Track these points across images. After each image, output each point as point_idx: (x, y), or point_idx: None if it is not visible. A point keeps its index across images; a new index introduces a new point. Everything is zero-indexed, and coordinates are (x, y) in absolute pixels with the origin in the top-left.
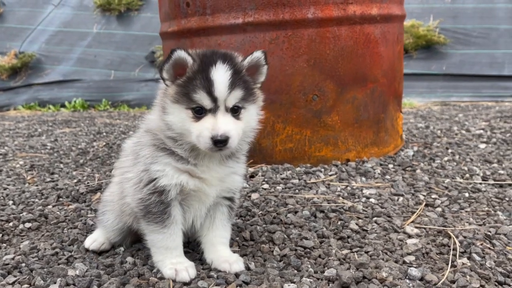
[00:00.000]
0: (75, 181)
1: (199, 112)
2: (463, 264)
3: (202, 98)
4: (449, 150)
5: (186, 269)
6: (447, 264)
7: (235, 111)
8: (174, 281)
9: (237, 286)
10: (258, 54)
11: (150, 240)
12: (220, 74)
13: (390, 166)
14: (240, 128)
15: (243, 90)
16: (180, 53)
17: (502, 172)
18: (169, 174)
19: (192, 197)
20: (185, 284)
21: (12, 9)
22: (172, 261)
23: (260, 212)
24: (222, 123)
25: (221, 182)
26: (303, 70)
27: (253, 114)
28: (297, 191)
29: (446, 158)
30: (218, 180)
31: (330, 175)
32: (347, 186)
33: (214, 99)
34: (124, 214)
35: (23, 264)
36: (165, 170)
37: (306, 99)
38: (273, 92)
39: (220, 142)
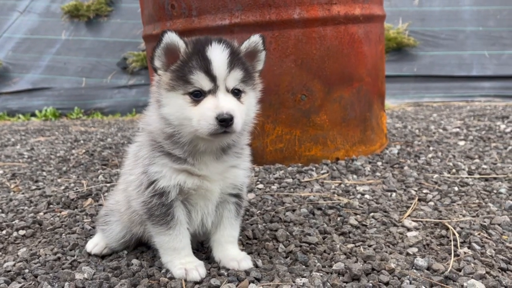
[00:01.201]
0: (62, 188)
1: (197, 96)
2: (465, 253)
3: (200, 79)
4: (431, 148)
5: (196, 268)
6: (450, 254)
7: (236, 94)
8: (185, 280)
9: (249, 283)
10: (255, 38)
11: (157, 242)
12: (217, 53)
13: (379, 163)
14: (244, 112)
15: (243, 71)
16: (172, 36)
17: (485, 166)
18: (167, 176)
19: (195, 195)
20: (196, 283)
21: None
22: (181, 261)
23: (259, 211)
24: (225, 101)
25: (223, 177)
26: (291, 70)
27: (252, 102)
28: (292, 190)
29: (430, 155)
30: (219, 175)
31: (323, 174)
32: (340, 183)
33: (213, 79)
34: (134, 224)
35: (26, 270)
36: (162, 171)
37: (295, 99)
38: (262, 92)
39: (225, 121)
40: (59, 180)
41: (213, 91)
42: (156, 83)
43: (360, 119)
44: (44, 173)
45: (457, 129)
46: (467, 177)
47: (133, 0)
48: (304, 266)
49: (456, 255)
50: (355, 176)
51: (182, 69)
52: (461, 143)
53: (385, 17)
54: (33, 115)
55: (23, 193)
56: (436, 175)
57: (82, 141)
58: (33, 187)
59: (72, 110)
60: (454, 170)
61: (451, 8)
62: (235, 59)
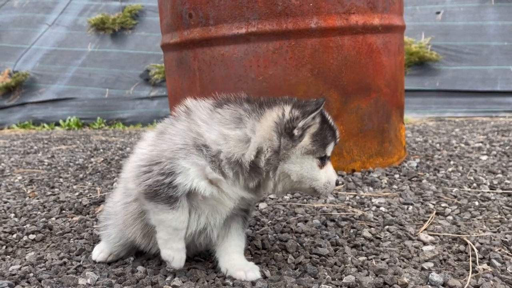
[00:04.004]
0: (76, 194)
1: (323, 160)
2: (484, 269)
3: (331, 147)
4: (451, 162)
5: (180, 261)
6: (467, 270)
7: None
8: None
9: None
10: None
11: (158, 219)
12: (333, 121)
13: (396, 176)
14: None
15: None
16: (322, 107)
17: (508, 181)
18: (190, 175)
19: (203, 203)
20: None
21: (6, 28)
22: (173, 245)
23: (270, 221)
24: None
25: (241, 199)
26: (307, 79)
27: None
28: (305, 200)
29: (450, 169)
30: (238, 197)
31: (337, 185)
32: (355, 195)
33: (335, 146)
34: (126, 226)
35: (31, 274)
36: (189, 169)
37: None
38: None
39: (338, 184)
40: (74, 187)
41: (329, 156)
42: (287, 142)
43: (377, 130)
44: (61, 180)
45: (480, 144)
46: (488, 192)
47: (157, 14)
48: (313, 278)
49: (475, 271)
50: (371, 188)
51: (321, 136)
52: (484, 157)
53: (405, 28)
54: (57, 124)
55: (38, 199)
56: (455, 189)
57: (101, 150)
58: (49, 193)
59: (94, 120)
60: (475, 185)
61: (475, 23)
62: None
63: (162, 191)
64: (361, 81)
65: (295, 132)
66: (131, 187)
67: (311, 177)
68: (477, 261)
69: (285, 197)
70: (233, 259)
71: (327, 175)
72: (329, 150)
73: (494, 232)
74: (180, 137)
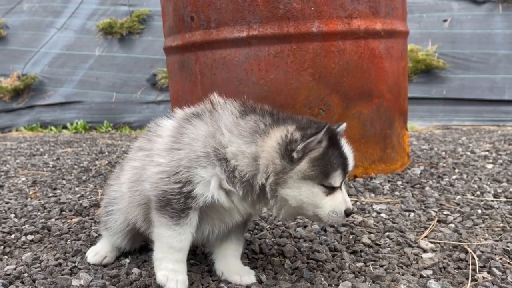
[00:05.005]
0: (78, 196)
1: (329, 187)
2: (483, 278)
3: (337, 175)
4: (456, 170)
5: (176, 282)
6: (467, 279)
7: None
8: None
9: None
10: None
11: (157, 233)
12: (349, 150)
13: (399, 183)
14: None
15: None
16: (324, 131)
17: None
18: (211, 186)
19: (217, 212)
20: None
21: (15, 32)
22: (168, 266)
23: (269, 226)
24: (347, 195)
25: (247, 214)
26: (308, 84)
27: None
28: None
29: (454, 177)
30: (247, 212)
31: (348, 215)
32: (356, 201)
33: (344, 175)
34: (131, 208)
35: (26, 274)
36: (211, 182)
37: (312, 113)
38: (279, 106)
39: (349, 215)
40: (76, 189)
41: (340, 185)
42: (286, 165)
43: (380, 136)
44: (64, 182)
45: (486, 152)
46: (492, 200)
47: None
48: (309, 284)
49: (474, 279)
50: (372, 195)
51: (324, 162)
52: (489, 166)
53: (408, 34)
54: (65, 127)
55: (39, 200)
56: (458, 197)
57: (106, 153)
58: (50, 194)
59: (101, 123)
60: (478, 192)
61: (483, 31)
62: None
63: (176, 200)
64: (363, 86)
65: (294, 155)
66: (146, 187)
67: (313, 203)
68: (477, 270)
69: None
70: (230, 262)
71: (334, 203)
72: (335, 178)
73: (496, 241)
74: (201, 143)
